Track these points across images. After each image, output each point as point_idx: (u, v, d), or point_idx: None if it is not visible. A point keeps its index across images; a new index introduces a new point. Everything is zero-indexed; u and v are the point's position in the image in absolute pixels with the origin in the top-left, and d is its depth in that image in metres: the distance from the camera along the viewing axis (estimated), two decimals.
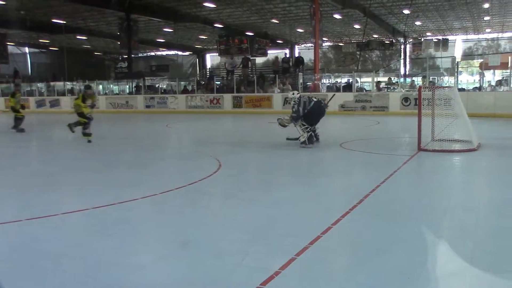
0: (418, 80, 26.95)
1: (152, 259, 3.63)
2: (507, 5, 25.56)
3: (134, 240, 4.11)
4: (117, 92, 30.00)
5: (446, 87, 12.59)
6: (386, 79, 27.26)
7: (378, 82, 23.05)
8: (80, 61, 38.55)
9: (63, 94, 27.89)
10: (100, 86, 29.39)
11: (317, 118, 9.69)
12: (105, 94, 28.31)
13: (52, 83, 29.39)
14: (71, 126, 11.33)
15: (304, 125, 9.43)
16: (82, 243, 4.04)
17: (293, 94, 9.81)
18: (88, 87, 12.58)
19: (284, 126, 10.01)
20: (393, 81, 24.71)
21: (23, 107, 14.44)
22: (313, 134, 9.50)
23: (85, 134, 10.96)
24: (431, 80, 24.63)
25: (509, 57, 21.83)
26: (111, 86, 30.41)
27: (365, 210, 4.88)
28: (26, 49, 42.31)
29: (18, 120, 14.01)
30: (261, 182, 6.59)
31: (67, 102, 26.39)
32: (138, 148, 10.46)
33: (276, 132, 10.64)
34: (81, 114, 10.93)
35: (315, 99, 9.92)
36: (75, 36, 34.58)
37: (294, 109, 9.46)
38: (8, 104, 15.19)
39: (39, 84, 29.24)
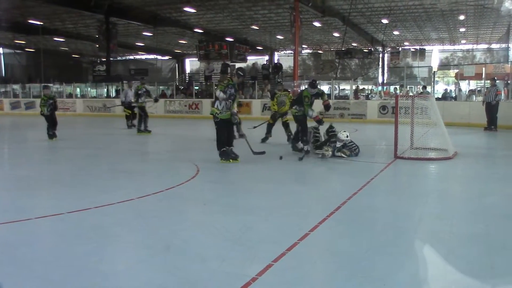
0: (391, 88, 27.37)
1: (128, 264, 3.59)
2: (482, 18, 26.20)
3: (109, 246, 4.05)
4: (94, 95, 29.64)
5: (425, 95, 12.81)
6: (365, 87, 27.62)
7: (362, 90, 23.28)
8: (57, 63, 37.93)
9: (39, 97, 27.32)
10: (78, 89, 28.97)
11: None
12: (83, 97, 27.93)
13: (27, 85, 28.86)
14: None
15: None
16: (56, 249, 3.97)
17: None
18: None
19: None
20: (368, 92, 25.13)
21: None
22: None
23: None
24: (408, 88, 25.07)
25: (483, 68, 22.36)
26: (89, 89, 30.01)
27: (342, 217, 4.92)
28: (0, 50, 41.42)
29: None
30: (239, 188, 6.58)
31: None
32: (115, 153, 10.34)
33: (252, 140, 10.61)
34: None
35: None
36: (52, 37, 34.03)
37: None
38: None
39: (14, 86, 28.65)
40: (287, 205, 5.51)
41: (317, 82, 9.98)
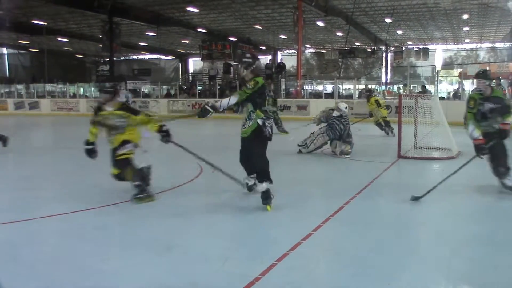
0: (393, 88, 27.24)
1: (131, 264, 3.59)
2: (485, 17, 26.11)
3: (113, 245, 4.06)
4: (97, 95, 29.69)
5: (428, 95, 12.79)
6: (369, 86, 27.52)
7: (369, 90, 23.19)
8: (60, 63, 38.02)
9: (43, 97, 27.43)
10: (81, 89, 29.02)
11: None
12: (86, 97, 28.00)
13: (31, 85, 28.94)
14: None
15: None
16: (59, 248, 3.97)
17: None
18: None
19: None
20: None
21: None
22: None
23: None
24: (411, 88, 25.00)
25: (487, 67, 22.29)
26: (92, 89, 30.05)
27: (345, 216, 4.91)
28: (4, 50, 41.53)
29: None
30: (242, 188, 6.55)
31: (46, 105, 25.99)
32: None
33: None
34: None
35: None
36: (56, 38, 34.10)
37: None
38: None
39: (18, 86, 28.75)
40: (290, 204, 5.49)
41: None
